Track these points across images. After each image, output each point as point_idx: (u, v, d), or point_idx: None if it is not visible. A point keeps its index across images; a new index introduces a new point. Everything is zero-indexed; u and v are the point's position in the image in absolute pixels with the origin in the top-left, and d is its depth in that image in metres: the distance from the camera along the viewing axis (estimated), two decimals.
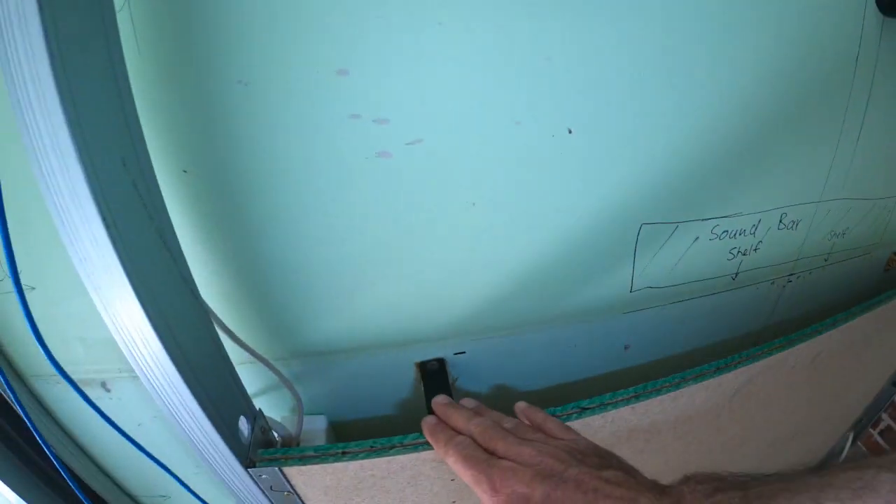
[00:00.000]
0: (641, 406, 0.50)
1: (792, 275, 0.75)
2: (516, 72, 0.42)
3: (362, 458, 0.39)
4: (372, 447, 0.40)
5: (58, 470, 0.54)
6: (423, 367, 0.50)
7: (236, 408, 0.42)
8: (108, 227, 0.29)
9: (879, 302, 0.76)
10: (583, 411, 0.46)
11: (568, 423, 0.44)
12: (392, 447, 0.41)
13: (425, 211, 0.45)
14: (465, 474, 0.36)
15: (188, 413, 0.35)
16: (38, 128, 0.27)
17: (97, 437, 0.62)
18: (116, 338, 0.33)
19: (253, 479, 0.39)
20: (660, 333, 0.62)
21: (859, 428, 1.56)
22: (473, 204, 0.46)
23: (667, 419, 0.54)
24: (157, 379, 0.34)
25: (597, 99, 0.45)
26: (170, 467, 0.55)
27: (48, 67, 0.26)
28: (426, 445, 0.41)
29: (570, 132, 0.45)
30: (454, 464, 0.37)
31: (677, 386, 0.52)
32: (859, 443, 1.62)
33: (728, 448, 0.74)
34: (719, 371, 0.55)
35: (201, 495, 0.61)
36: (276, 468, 0.39)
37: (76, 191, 0.28)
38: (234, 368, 0.44)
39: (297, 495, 0.42)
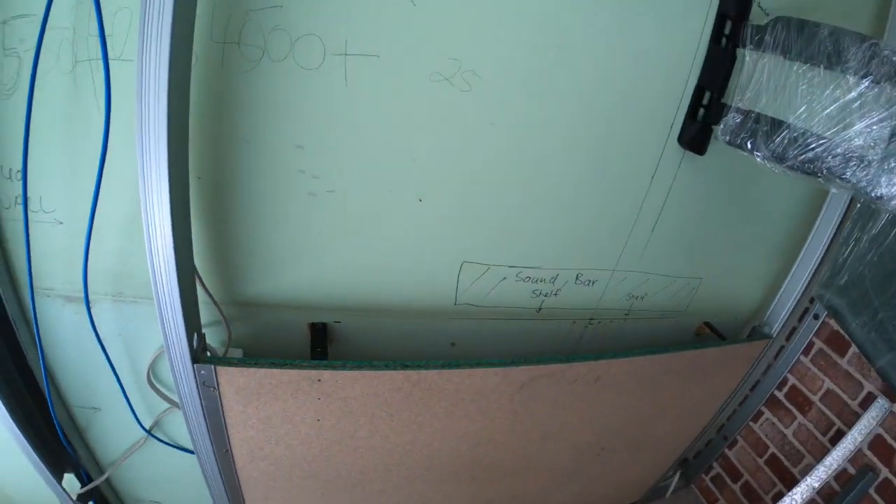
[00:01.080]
0: (447, 373, 0.79)
1: (592, 319, 1.07)
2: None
3: (266, 368, 0.68)
4: (273, 363, 0.69)
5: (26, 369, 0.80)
6: (312, 326, 0.79)
7: (195, 326, 0.69)
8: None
9: (659, 351, 1.07)
10: (405, 367, 0.76)
11: (389, 373, 0.74)
12: (284, 364, 0.70)
13: (333, 227, 0.76)
14: None
15: (173, 321, 0.63)
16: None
17: (59, 347, 0.83)
18: (149, 254, 0.60)
19: (194, 372, 0.67)
20: (479, 339, 0.92)
21: (690, 471, 1.89)
22: (357, 232, 0.77)
23: (468, 392, 0.84)
24: (165, 292, 0.62)
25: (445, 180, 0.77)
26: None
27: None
28: (307, 367, 0.70)
29: (420, 201, 0.77)
30: None
31: (475, 365, 0.82)
32: (692, 485, 1.96)
33: (532, 438, 1.03)
34: (506, 364, 0.85)
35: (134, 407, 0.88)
36: (212, 366, 0.67)
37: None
38: (197, 301, 0.71)
39: (219, 392, 0.70)
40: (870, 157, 0.74)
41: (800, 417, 1.74)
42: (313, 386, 0.73)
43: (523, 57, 0.73)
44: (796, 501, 1.63)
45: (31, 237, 0.72)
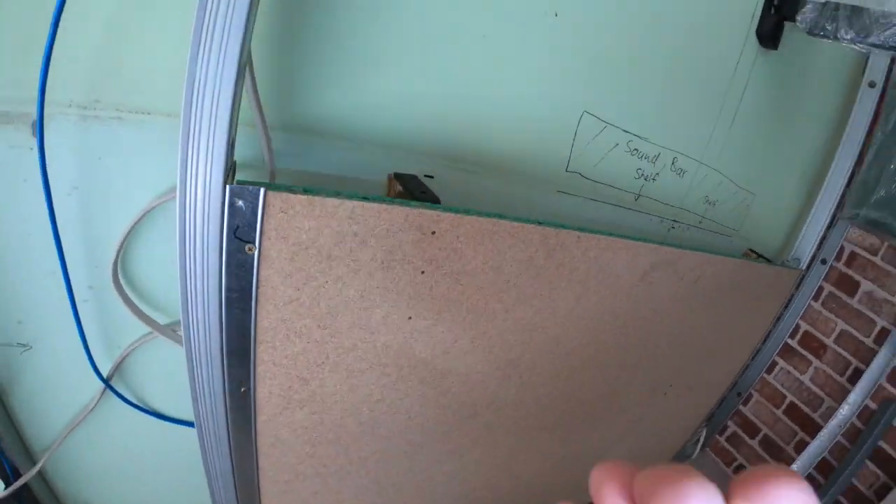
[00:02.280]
0: (584, 239, 0.60)
1: (675, 221, 0.93)
2: None
3: (356, 200, 0.44)
4: (364, 197, 0.45)
5: None
6: (396, 177, 0.55)
7: (231, 137, 0.43)
8: None
9: (737, 256, 0.97)
10: (541, 224, 0.55)
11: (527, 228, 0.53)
12: (385, 200, 0.46)
13: (443, 27, 0.54)
14: None
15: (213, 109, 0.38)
16: None
17: None
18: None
19: (224, 204, 0.40)
20: (580, 222, 0.75)
21: (709, 429, 1.81)
22: (484, 36, 0.56)
23: (596, 264, 0.65)
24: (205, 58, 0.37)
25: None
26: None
27: None
28: (417, 206, 0.47)
29: (556, 15, 0.58)
30: None
31: (609, 234, 0.64)
32: (707, 449, 1.87)
33: (639, 326, 0.86)
34: (637, 239, 0.67)
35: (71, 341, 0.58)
36: (261, 189, 0.41)
37: None
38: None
39: (259, 254, 0.43)
40: None
41: (815, 362, 1.71)
42: (420, 243, 0.49)
43: None
44: (821, 444, 1.61)
45: None
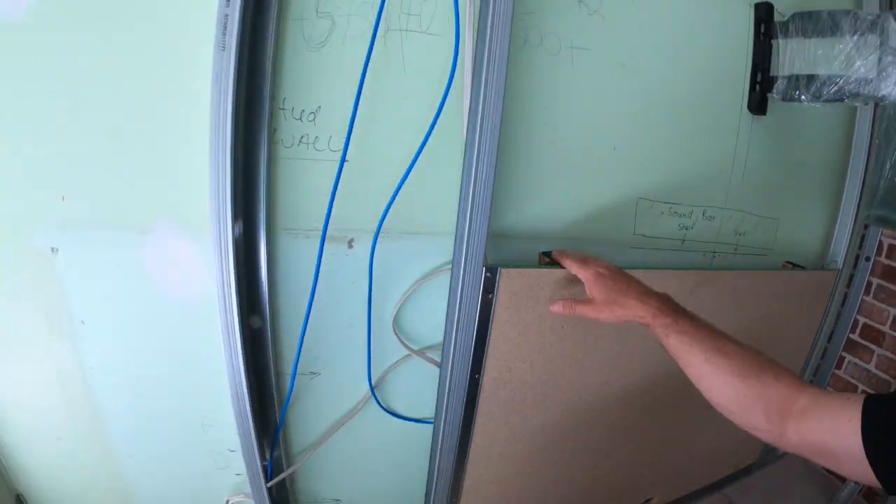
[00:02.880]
0: (649, 274, 1.05)
1: (715, 253, 1.36)
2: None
3: (539, 267, 0.94)
4: (541, 266, 0.94)
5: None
6: (543, 254, 1.04)
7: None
8: None
9: (770, 268, 1.37)
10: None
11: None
12: (552, 265, 0.97)
13: (559, 168, 1.04)
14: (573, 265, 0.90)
15: (478, 226, 0.87)
16: None
17: (294, 297, 0.92)
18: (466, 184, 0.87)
19: (482, 274, 0.89)
20: (646, 265, 1.19)
21: None
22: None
23: (659, 289, 1.09)
24: (477, 197, 0.88)
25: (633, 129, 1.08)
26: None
27: None
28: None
29: (614, 149, 1.08)
30: (570, 263, 0.91)
31: (665, 268, 1.09)
32: None
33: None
34: (684, 269, 1.12)
35: (349, 370, 1.01)
36: (498, 268, 0.90)
37: None
38: None
39: (496, 298, 0.90)
40: (869, 77, 1.11)
41: (877, 350, 2.00)
42: (568, 287, 0.97)
43: (662, 57, 1.13)
44: None
45: (311, 175, 0.87)
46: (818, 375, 2.02)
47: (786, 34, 1.26)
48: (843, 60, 1.15)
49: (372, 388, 1.03)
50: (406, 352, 1.04)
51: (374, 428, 1.10)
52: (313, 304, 0.91)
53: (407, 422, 1.11)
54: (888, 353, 1.95)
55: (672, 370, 1.28)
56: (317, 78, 0.84)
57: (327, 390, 1.02)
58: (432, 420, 1.11)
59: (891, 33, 1.07)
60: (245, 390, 0.88)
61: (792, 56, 1.25)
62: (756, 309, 1.41)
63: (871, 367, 1.99)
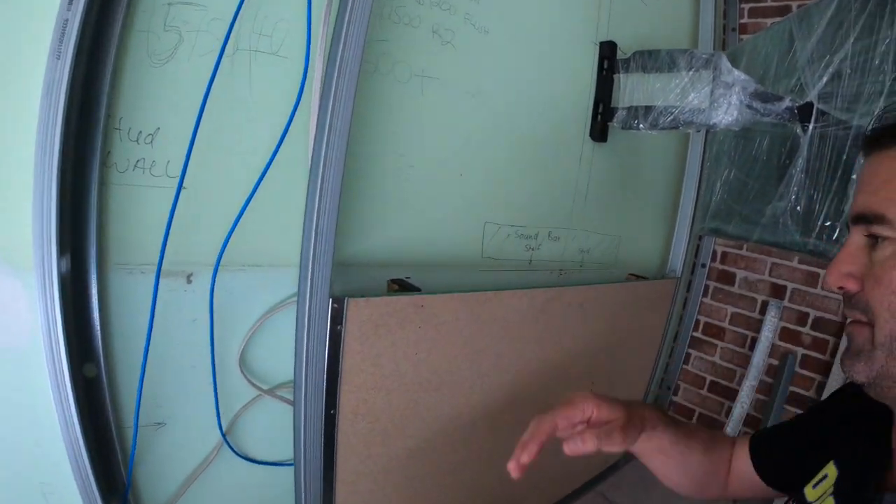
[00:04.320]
0: (500, 294, 1.16)
1: (562, 270, 1.50)
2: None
3: (387, 296, 0.99)
4: (389, 294, 1.00)
5: None
6: (392, 281, 1.10)
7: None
8: None
9: (614, 281, 1.55)
10: (471, 291, 1.11)
11: (466, 295, 1.08)
12: (399, 292, 1.02)
13: (409, 196, 1.10)
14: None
15: (322, 257, 0.91)
16: None
17: (130, 340, 0.86)
18: (309, 214, 0.91)
19: (329, 307, 0.92)
20: (497, 286, 1.30)
21: None
22: (424, 199, 1.13)
23: (513, 314, 1.21)
24: (322, 226, 0.91)
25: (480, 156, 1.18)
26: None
27: None
28: (415, 294, 1.02)
29: (461, 175, 1.17)
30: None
31: (514, 288, 1.20)
32: None
33: (551, 364, 1.40)
34: (531, 287, 1.24)
35: (197, 417, 0.96)
36: (345, 299, 0.93)
37: None
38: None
39: (344, 329, 0.94)
40: (702, 107, 1.29)
41: (720, 344, 2.30)
42: (417, 313, 1.04)
43: (510, 88, 1.27)
44: (744, 405, 2.15)
45: (146, 204, 0.82)
46: (668, 372, 2.27)
47: (627, 70, 1.47)
48: (678, 93, 1.35)
49: (223, 435, 1.02)
50: (256, 392, 1.04)
51: (232, 476, 1.07)
52: (151, 346, 0.87)
53: (266, 466, 1.11)
54: (729, 345, 2.26)
55: (531, 383, 1.42)
56: (158, 97, 0.81)
57: (175, 441, 0.98)
58: (293, 462, 1.12)
59: (723, 69, 1.27)
60: (83, 449, 0.82)
61: (632, 89, 1.46)
62: (604, 319, 1.58)
63: (716, 358, 2.29)
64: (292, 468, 1.10)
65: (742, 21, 2.29)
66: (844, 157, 1.23)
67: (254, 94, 0.90)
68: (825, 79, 1.29)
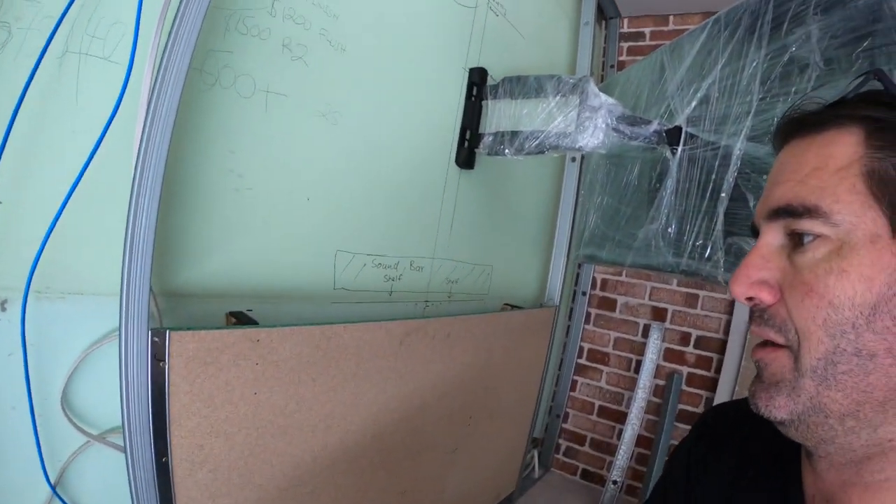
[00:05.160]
0: (350, 327, 1.14)
1: (427, 302, 1.51)
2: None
3: (215, 329, 0.93)
4: (219, 326, 0.94)
5: None
6: (231, 315, 1.05)
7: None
8: None
9: (485, 312, 1.57)
10: (320, 324, 1.08)
11: (309, 329, 1.06)
12: (231, 326, 0.96)
13: (247, 220, 1.06)
14: None
15: (139, 282, 0.86)
16: None
17: None
18: (129, 228, 0.86)
19: (148, 341, 0.85)
20: (351, 319, 1.28)
21: (543, 456, 2.37)
22: (265, 225, 1.10)
23: (365, 347, 1.19)
24: (140, 239, 0.86)
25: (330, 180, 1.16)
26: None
27: None
28: (249, 326, 0.98)
29: (308, 200, 1.15)
30: None
31: (367, 321, 1.18)
32: (552, 469, 2.43)
33: (414, 405, 1.39)
34: (387, 320, 1.23)
35: (21, 467, 0.89)
36: (167, 332, 0.86)
37: None
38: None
39: (168, 366, 0.87)
40: (568, 131, 1.36)
41: (605, 369, 2.39)
42: (253, 349, 0.99)
43: (367, 109, 1.26)
44: (635, 426, 2.23)
45: None
46: (556, 400, 2.32)
47: (495, 96, 1.53)
48: (544, 118, 1.40)
49: (52, 488, 0.92)
50: (84, 438, 0.95)
51: None
52: None
53: None
54: (615, 370, 2.35)
55: (397, 419, 1.39)
56: None
57: None
58: None
59: (590, 94, 1.33)
60: None
61: (500, 115, 1.51)
62: (477, 352, 1.59)
63: (603, 383, 2.37)
64: None
65: (621, 58, 2.48)
66: (714, 176, 1.29)
67: (80, 101, 0.86)
68: (693, 103, 1.39)
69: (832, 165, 0.47)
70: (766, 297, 0.49)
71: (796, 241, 0.48)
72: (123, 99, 0.87)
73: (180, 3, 0.84)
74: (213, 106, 0.99)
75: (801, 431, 0.48)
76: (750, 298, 0.51)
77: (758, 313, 0.51)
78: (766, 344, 0.50)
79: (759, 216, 0.53)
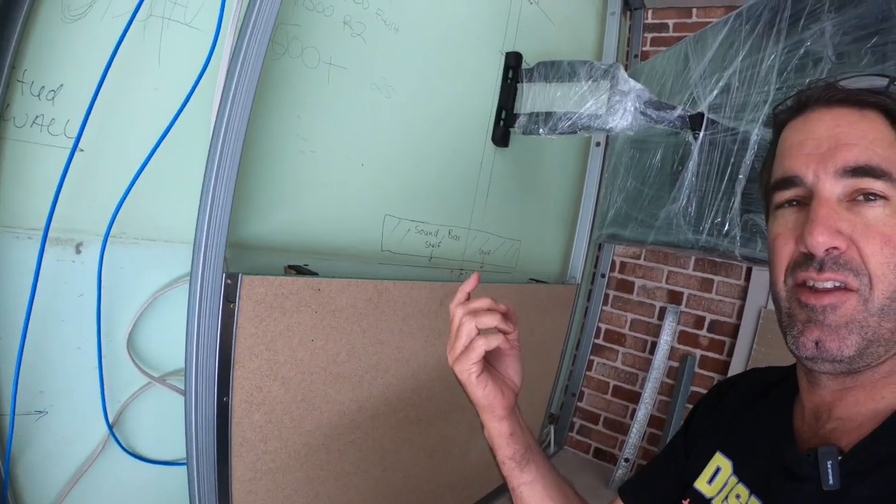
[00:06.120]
0: (399, 284, 1.24)
1: (461, 270, 1.61)
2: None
3: (283, 276, 1.03)
4: (285, 273, 1.05)
5: None
6: (289, 267, 1.14)
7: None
8: None
9: (517, 282, 1.67)
10: (372, 279, 1.18)
11: (364, 282, 1.16)
12: (297, 273, 1.06)
13: (310, 180, 1.16)
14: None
15: (218, 222, 0.96)
16: None
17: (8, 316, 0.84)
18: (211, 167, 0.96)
19: (222, 282, 0.94)
20: (396, 278, 1.39)
21: (558, 434, 2.48)
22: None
23: (412, 305, 1.29)
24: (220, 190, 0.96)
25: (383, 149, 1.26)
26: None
27: None
28: (311, 276, 1.07)
29: (362, 165, 1.26)
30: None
31: (413, 279, 1.28)
32: (565, 447, 2.54)
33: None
34: (429, 280, 1.33)
35: (82, 405, 0.94)
36: (239, 274, 0.96)
37: None
38: None
39: (237, 308, 0.97)
40: (599, 113, 1.45)
41: (621, 349, 2.49)
42: (314, 297, 1.09)
43: (416, 86, 1.37)
44: (648, 406, 2.32)
45: (41, 164, 0.82)
46: (572, 379, 2.43)
47: (530, 79, 1.63)
48: (577, 100, 1.50)
49: (110, 427, 0.99)
50: (146, 379, 1.03)
51: (120, 476, 1.04)
52: (31, 321, 0.84)
53: (157, 465, 1.09)
54: (630, 351, 2.45)
55: (434, 378, 1.50)
56: (66, 53, 0.82)
57: (59, 432, 0.93)
58: (185, 461, 1.10)
59: (620, 79, 1.42)
60: None
61: (534, 97, 1.60)
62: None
63: (618, 364, 2.48)
64: (185, 468, 1.08)
65: (644, 49, 2.57)
66: (733, 160, 1.39)
67: (163, 61, 0.92)
68: (715, 92, 1.49)
69: (886, 140, 0.55)
70: (843, 244, 0.54)
71: (863, 197, 0.55)
72: (201, 63, 0.95)
73: None
74: (283, 74, 1.09)
75: (855, 363, 0.55)
76: (834, 247, 0.55)
77: (832, 260, 0.55)
78: (834, 290, 0.55)
79: (820, 170, 0.57)
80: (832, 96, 0.60)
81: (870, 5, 1.08)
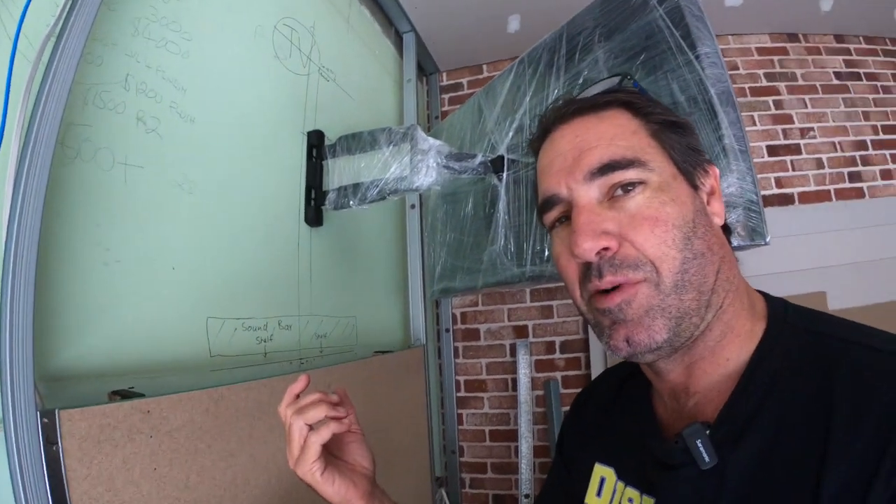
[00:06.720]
0: (235, 388, 1.21)
1: (301, 359, 1.62)
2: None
3: (104, 405, 0.97)
4: (107, 401, 0.99)
5: None
6: (114, 394, 1.07)
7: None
8: None
9: (361, 359, 1.69)
10: (205, 388, 1.15)
11: (197, 393, 1.13)
12: (119, 399, 1.00)
13: (119, 294, 1.09)
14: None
15: (23, 363, 0.88)
16: None
17: None
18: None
19: (38, 424, 0.85)
20: (238, 380, 1.36)
21: (451, 498, 2.48)
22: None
23: (255, 407, 1.26)
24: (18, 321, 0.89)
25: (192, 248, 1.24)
26: None
27: None
28: (136, 398, 1.02)
29: (173, 269, 1.23)
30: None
31: (244, 381, 1.26)
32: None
33: None
34: (270, 377, 1.32)
35: None
36: (56, 411, 0.86)
37: None
38: None
39: (61, 448, 0.87)
40: (404, 175, 1.57)
41: (485, 395, 2.59)
42: (145, 420, 1.03)
43: (219, 177, 1.37)
44: (528, 439, 2.41)
45: None
46: (447, 438, 2.47)
47: (334, 154, 1.71)
48: (381, 167, 1.59)
49: None
50: None
51: None
52: None
53: None
54: (494, 393, 2.57)
55: (296, 487, 1.45)
56: None
57: None
58: None
59: (419, 139, 1.53)
60: None
61: (340, 171, 1.68)
62: (357, 399, 1.68)
63: (487, 409, 2.57)
64: None
65: (444, 109, 2.82)
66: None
67: None
68: (511, 133, 1.67)
69: (627, 131, 0.61)
70: (613, 243, 0.57)
71: (621, 191, 0.59)
72: None
73: (44, 78, 0.92)
74: (75, 180, 1.05)
75: (675, 343, 0.57)
76: (605, 249, 0.57)
77: (607, 263, 0.57)
78: (626, 286, 0.57)
79: (570, 181, 0.61)
80: (567, 111, 0.66)
81: (634, 28, 1.28)
